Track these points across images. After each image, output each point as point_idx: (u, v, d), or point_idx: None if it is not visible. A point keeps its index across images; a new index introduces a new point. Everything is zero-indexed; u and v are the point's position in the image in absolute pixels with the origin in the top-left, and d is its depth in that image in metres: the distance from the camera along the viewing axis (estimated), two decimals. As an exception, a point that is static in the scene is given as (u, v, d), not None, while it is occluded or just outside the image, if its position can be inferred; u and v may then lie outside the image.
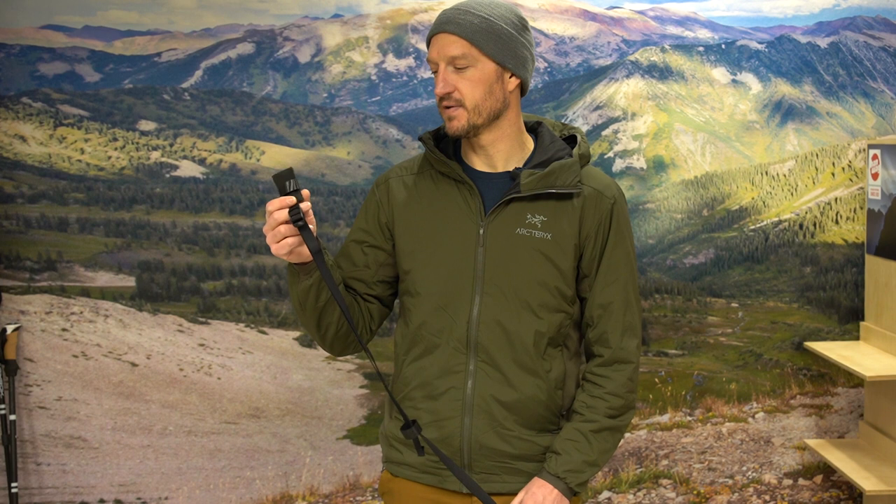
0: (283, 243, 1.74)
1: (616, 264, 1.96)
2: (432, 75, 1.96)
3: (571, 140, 2.02)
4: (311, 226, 1.75)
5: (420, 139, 1.97)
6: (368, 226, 2.00)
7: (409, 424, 1.87)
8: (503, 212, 1.90)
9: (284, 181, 1.71)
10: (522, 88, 1.94)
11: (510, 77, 1.89)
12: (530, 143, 1.98)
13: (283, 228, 1.73)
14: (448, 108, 1.86)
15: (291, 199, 1.71)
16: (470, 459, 1.94)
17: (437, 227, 1.93)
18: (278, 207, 1.71)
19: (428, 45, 1.90)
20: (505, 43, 1.86)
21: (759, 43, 4.00)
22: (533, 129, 2.01)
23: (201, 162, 3.84)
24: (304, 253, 1.80)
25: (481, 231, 1.90)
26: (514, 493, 1.96)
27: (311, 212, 1.76)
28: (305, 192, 1.74)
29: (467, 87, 1.85)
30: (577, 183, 1.91)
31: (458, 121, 1.86)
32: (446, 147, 1.99)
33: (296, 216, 1.71)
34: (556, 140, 1.97)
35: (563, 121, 4.00)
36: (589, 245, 1.93)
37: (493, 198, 1.92)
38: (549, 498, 1.88)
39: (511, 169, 1.94)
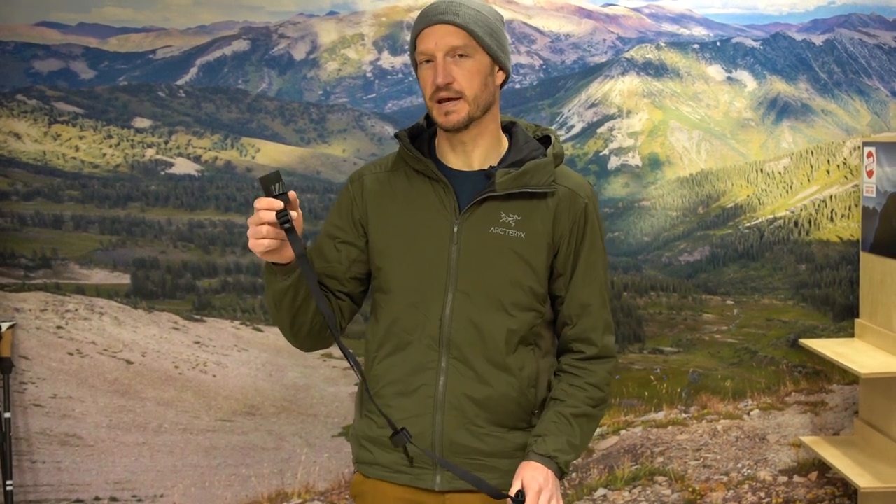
0: (260, 242, 1.73)
1: (594, 264, 1.97)
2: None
3: (544, 141, 2.01)
4: (297, 230, 1.74)
5: (396, 136, 1.96)
6: (342, 222, 1.99)
7: (397, 432, 1.83)
8: (477, 210, 1.90)
9: (271, 184, 1.71)
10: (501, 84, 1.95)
11: (498, 71, 1.91)
12: (505, 142, 1.99)
13: (265, 229, 1.73)
14: (446, 100, 1.85)
15: (280, 203, 1.70)
16: (441, 456, 1.92)
17: (411, 224, 1.93)
18: (265, 207, 1.71)
19: (414, 39, 1.89)
20: (496, 37, 1.88)
21: (755, 40, 4.00)
22: (507, 128, 2.01)
23: (196, 159, 3.83)
24: (284, 254, 1.79)
25: (455, 229, 1.90)
26: (487, 490, 1.94)
27: (300, 216, 1.75)
28: (292, 194, 1.73)
29: (466, 78, 1.84)
30: (552, 182, 1.91)
31: (458, 114, 1.85)
32: (421, 145, 1.99)
33: (283, 218, 1.70)
34: (531, 140, 1.97)
35: (558, 119, 4.02)
36: (563, 244, 1.93)
37: (467, 196, 1.91)
38: (547, 477, 1.84)
39: (486, 167, 1.93)
